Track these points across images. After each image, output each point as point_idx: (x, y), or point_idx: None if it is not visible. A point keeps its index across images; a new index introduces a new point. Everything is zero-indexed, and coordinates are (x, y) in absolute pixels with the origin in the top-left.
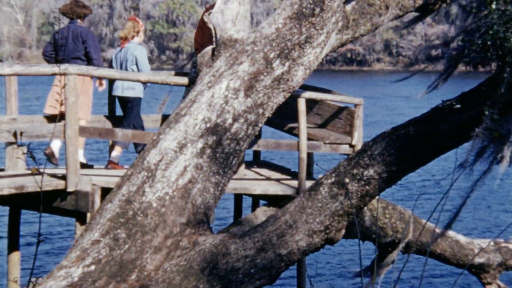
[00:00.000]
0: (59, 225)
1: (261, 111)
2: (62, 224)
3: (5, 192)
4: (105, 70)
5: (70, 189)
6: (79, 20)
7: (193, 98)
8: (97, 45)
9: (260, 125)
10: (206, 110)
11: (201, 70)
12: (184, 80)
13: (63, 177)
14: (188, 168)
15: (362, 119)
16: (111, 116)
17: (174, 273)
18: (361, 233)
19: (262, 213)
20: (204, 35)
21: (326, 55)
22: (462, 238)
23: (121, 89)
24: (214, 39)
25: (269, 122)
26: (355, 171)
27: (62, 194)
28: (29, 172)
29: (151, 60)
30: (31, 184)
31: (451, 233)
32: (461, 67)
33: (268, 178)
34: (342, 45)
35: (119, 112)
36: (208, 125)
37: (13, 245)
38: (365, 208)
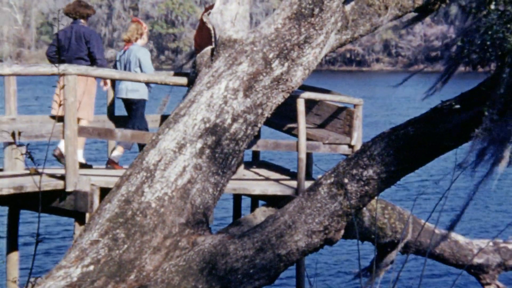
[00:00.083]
0: (58, 225)
1: (260, 111)
2: (61, 224)
3: (4, 192)
4: (104, 70)
5: (69, 189)
6: (82, 20)
7: (192, 98)
8: (101, 45)
9: (259, 125)
10: (205, 110)
11: (200, 70)
12: (183, 80)
13: (62, 177)
14: (187, 168)
15: (361, 120)
16: (113, 117)
17: (173, 273)
18: (360, 233)
19: (261, 213)
20: (203, 35)
21: (325, 55)
22: (461, 239)
23: (125, 92)
24: (213, 40)
25: (268, 123)
26: (354, 171)
27: (61, 194)
28: (27, 172)
29: None
30: (30, 184)
31: (451, 233)
32: (460, 68)
33: (267, 179)
34: (341, 45)
35: (117, 112)
36: (207, 125)
37: (12, 245)
38: (364, 208)
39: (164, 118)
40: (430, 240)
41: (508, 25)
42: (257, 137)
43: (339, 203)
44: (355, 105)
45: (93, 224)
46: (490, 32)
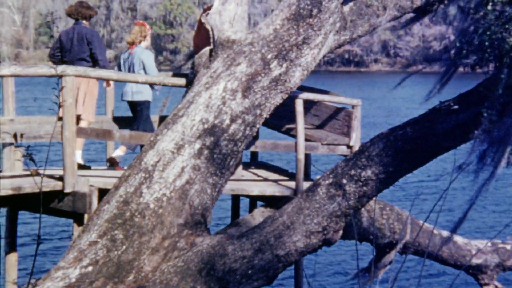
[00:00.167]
0: (56, 226)
1: (258, 112)
2: (59, 225)
3: (3, 193)
4: (103, 71)
5: (67, 190)
6: (84, 21)
7: (191, 99)
8: (103, 46)
9: (257, 126)
10: (204, 111)
11: (199, 71)
12: (182, 81)
13: (61, 178)
14: (186, 169)
15: (359, 120)
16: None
17: (171, 274)
18: (359, 234)
19: (260, 214)
20: (202, 36)
21: (324, 56)
22: (459, 239)
23: (130, 94)
24: (211, 40)
25: (267, 123)
26: (352, 172)
27: (59, 195)
28: (26, 173)
29: None
30: (28, 185)
31: (448, 234)
32: (459, 68)
33: (265, 179)
34: (340, 46)
35: (123, 114)
36: (206, 126)
37: (11, 246)
38: (363, 209)
39: (162, 119)
40: (428, 240)
41: (507, 26)
42: (256, 137)
43: (338, 204)
44: (353, 106)
45: (91, 225)
46: (488, 33)
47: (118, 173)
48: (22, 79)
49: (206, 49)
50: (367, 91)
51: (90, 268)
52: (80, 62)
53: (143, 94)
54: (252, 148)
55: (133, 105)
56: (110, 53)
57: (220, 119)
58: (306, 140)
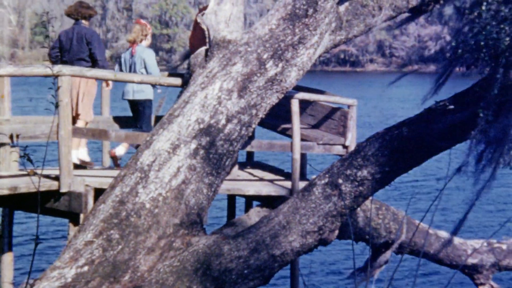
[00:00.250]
0: (52, 226)
1: (254, 112)
2: (55, 225)
3: None
4: (98, 71)
5: (63, 190)
6: (83, 21)
7: (186, 99)
8: (102, 46)
9: (253, 126)
10: (199, 111)
11: (195, 71)
12: (177, 81)
13: (56, 178)
14: (181, 169)
15: (355, 120)
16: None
17: (167, 273)
18: (355, 234)
19: (256, 214)
20: (198, 36)
21: (319, 56)
22: (455, 239)
23: (131, 93)
24: (207, 40)
25: (262, 123)
26: (348, 172)
27: (55, 195)
28: (22, 173)
29: None
30: (24, 185)
31: (444, 233)
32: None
33: (261, 179)
34: (335, 46)
35: (122, 114)
36: (201, 126)
37: (6, 246)
38: (359, 209)
39: (158, 119)
40: (424, 240)
41: (502, 26)
42: (251, 137)
43: (333, 204)
44: (349, 106)
45: (87, 225)
46: (484, 33)
47: (114, 173)
48: (17, 79)
49: (202, 49)
50: (363, 91)
51: (86, 268)
52: (80, 62)
53: (145, 93)
54: (248, 148)
55: (134, 104)
56: (105, 53)
57: (216, 119)
58: (302, 140)
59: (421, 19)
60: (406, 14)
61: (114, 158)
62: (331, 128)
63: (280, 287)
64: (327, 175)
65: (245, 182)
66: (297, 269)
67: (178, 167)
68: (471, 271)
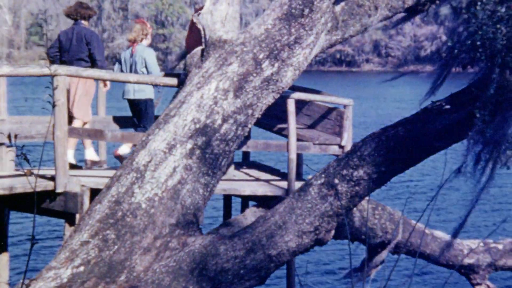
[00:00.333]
0: (48, 226)
1: (250, 112)
2: (51, 225)
3: None
4: (94, 71)
5: (59, 190)
6: (83, 21)
7: (182, 99)
8: (101, 47)
9: (249, 126)
10: (195, 111)
11: (190, 71)
12: (173, 81)
13: (52, 178)
14: (177, 169)
15: (351, 120)
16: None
17: (163, 274)
18: (351, 234)
19: (252, 214)
20: (194, 36)
21: (315, 56)
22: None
23: (132, 92)
24: (203, 40)
25: (259, 123)
26: (344, 171)
27: (51, 195)
28: (18, 173)
29: None
30: (20, 185)
31: (440, 233)
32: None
33: (257, 179)
34: (331, 45)
35: (120, 113)
36: (197, 126)
37: (2, 247)
38: (355, 209)
39: (154, 119)
40: (420, 240)
41: (498, 26)
42: (247, 137)
43: (330, 204)
44: (345, 106)
45: (83, 225)
46: (480, 33)
47: (110, 173)
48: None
49: (198, 49)
50: (359, 90)
51: (81, 268)
52: (79, 62)
53: (145, 92)
54: (244, 148)
55: (135, 103)
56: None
57: (212, 119)
58: (298, 140)
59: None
60: (402, 14)
61: (119, 158)
62: (327, 128)
63: (276, 287)
64: (323, 175)
65: (241, 182)
66: (293, 269)
67: (174, 167)
68: (468, 271)
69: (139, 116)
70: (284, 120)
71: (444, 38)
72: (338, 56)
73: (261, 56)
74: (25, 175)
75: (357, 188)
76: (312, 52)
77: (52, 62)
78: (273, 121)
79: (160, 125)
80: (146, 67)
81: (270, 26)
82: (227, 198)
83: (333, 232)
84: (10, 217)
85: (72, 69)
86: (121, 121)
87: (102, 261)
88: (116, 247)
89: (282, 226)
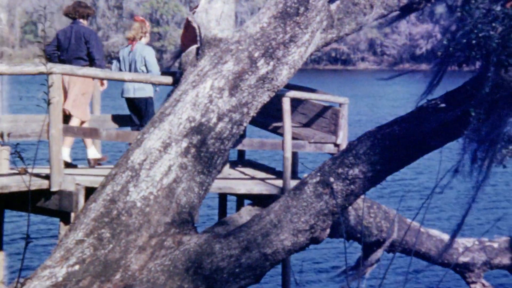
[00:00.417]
0: (43, 224)
1: (245, 110)
2: (46, 224)
3: None
4: (90, 69)
5: (53, 189)
6: (81, 20)
7: (178, 97)
8: (100, 46)
9: (244, 124)
10: (191, 109)
11: (186, 69)
12: (168, 79)
13: (47, 177)
14: (173, 167)
15: (347, 118)
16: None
17: (158, 272)
18: (346, 232)
19: (247, 212)
20: (189, 35)
21: (311, 54)
22: (446, 237)
23: (132, 91)
24: (198, 39)
25: (254, 122)
26: (340, 170)
27: (46, 193)
28: (13, 172)
29: None
30: (15, 184)
31: (436, 232)
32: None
33: (252, 178)
34: (327, 44)
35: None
36: (193, 124)
37: None
38: (350, 207)
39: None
40: (415, 239)
41: (493, 24)
42: (243, 136)
43: (325, 202)
44: (340, 104)
45: (78, 224)
46: (475, 31)
47: (105, 171)
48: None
49: (193, 47)
50: (354, 89)
51: (77, 267)
52: (78, 61)
53: (145, 90)
54: (239, 147)
55: (134, 102)
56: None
57: (207, 118)
58: (293, 138)
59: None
60: (397, 12)
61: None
62: (322, 127)
63: (272, 285)
64: (318, 174)
65: (237, 181)
66: (288, 267)
67: (169, 165)
68: (463, 269)
69: (140, 115)
70: (280, 118)
71: (439, 36)
72: (333, 54)
73: (256, 54)
74: (19, 173)
75: (352, 186)
76: (308, 51)
77: (50, 60)
78: (268, 119)
79: (155, 124)
80: (145, 65)
81: (266, 24)
82: (222, 197)
83: (328, 230)
84: (4, 216)
85: (67, 68)
86: (117, 120)
87: (97, 260)
88: (111, 246)
89: (278, 224)
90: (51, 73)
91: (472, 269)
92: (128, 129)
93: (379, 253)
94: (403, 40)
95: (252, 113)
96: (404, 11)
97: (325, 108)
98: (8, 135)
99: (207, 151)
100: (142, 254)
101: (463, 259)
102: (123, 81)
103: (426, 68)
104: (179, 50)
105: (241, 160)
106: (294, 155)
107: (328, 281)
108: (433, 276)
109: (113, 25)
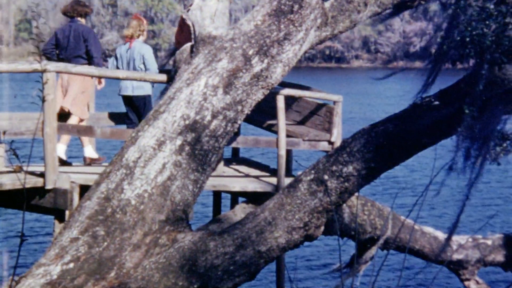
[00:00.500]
0: (38, 222)
1: (240, 108)
2: (41, 221)
3: None
4: (83, 67)
5: (48, 187)
6: (80, 19)
7: (172, 95)
8: (98, 44)
9: (239, 122)
10: (185, 107)
11: (180, 67)
12: (162, 77)
13: (42, 175)
14: (167, 165)
15: (341, 116)
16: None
17: (153, 270)
18: (340, 230)
19: (241, 210)
20: (183, 33)
21: (305, 52)
22: (440, 235)
23: (131, 89)
24: (192, 36)
25: (248, 119)
26: (334, 168)
27: (40, 191)
28: (7, 169)
29: None
30: (9, 182)
31: (429, 229)
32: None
33: (247, 175)
34: (321, 42)
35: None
36: (187, 122)
37: None
38: (344, 205)
39: None
40: (409, 236)
41: (487, 22)
42: (237, 133)
43: (319, 200)
44: (334, 102)
45: (72, 222)
46: (469, 29)
47: (100, 169)
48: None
49: (187, 45)
50: (348, 87)
51: (71, 265)
52: (77, 59)
53: (144, 89)
54: (234, 144)
55: (133, 100)
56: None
57: (201, 115)
58: (288, 136)
59: (406, 15)
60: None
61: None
62: (316, 124)
63: (266, 282)
64: (312, 171)
65: (231, 179)
66: (282, 264)
67: (163, 163)
68: (457, 266)
69: (138, 113)
70: (274, 116)
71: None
72: (327, 52)
73: (250, 52)
74: (14, 171)
75: (346, 184)
76: (302, 48)
77: (49, 59)
78: (262, 117)
79: (149, 121)
80: (144, 63)
81: (260, 22)
82: (217, 194)
83: (322, 228)
84: None
85: (60, 65)
86: (111, 118)
87: (92, 257)
88: (105, 243)
89: (272, 222)
90: (45, 71)
91: (466, 267)
92: (124, 127)
93: (373, 250)
94: (397, 38)
95: (246, 110)
96: (398, 9)
97: (319, 106)
98: (4, 133)
99: (202, 148)
100: (137, 251)
101: (457, 256)
102: (118, 79)
103: (420, 65)
104: (174, 48)
105: (236, 158)
106: (289, 152)
107: (322, 278)
108: (427, 273)
109: (108, 23)
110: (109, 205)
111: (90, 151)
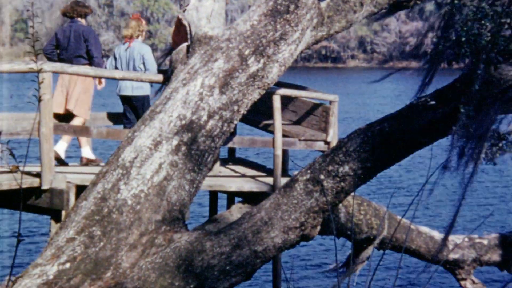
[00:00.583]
0: (34, 222)
1: (236, 108)
2: (37, 222)
3: None
4: (79, 67)
5: (44, 187)
6: (80, 19)
7: (168, 95)
8: (99, 44)
9: (235, 122)
10: (181, 107)
11: (176, 67)
12: (158, 77)
13: (38, 175)
14: (163, 165)
15: (337, 116)
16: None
17: (149, 270)
18: (336, 229)
19: (238, 210)
20: (180, 33)
21: (301, 52)
22: (436, 234)
23: (131, 89)
24: (188, 36)
25: (244, 119)
26: (330, 167)
27: (36, 191)
28: (3, 170)
29: None
30: (6, 182)
31: (425, 229)
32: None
33: (243, 175)
34: (317, 42)
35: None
36: (183, 122)
37: None
38: (340, 204)
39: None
40: (405, 235)
41: (483, 22)
42: (233, 133)
43: (315, 200)
44: (330, 102)
45: (69, 222)
46: (465, 29)
47: (96, 169)
48: None
49: (184, 45)
50: (344, 87)
51: (67, 265)
52: (78, 59)
53: (144, 89)
54: (230, 144)
55: (132, 100)
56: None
57: (197, 115)
58: (284, 136)
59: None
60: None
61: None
62: (312, 124)
63: (262, 281)
64: (309, 171)
65: (227, 179)
66: (279, 264)
67: (160, 163)
68: (453, 266)
69: (137, 113)
70: (270, 116)
71: (429, 34)
72: (323, 52)
73: (246, 52)
74: (11, 171)
75: (342, 184)
76: (298, 48)
77: (49, 59)
78: (258, 117)
79: (145, 122)
80: (144, 63)
81: (256, 22)
82: (213, 194)
83: (319, 227)
84: None
85: (57, 65)
86: (108, 118)
87: (88, 257)
88: (102, 243)
89: (268, 222)
90: (41, 71)
91: (462, 266)
92: (120, 127)
93: (369, 250)
94: (393, 37)
95: (243, 110)
96: (394, 9)
97: (316, 106)
98: (0, 133)
99: (198, 149)
100: (133, 252)
101: (453, 256)
102: (114, 79)
103: (415, 65)
104: (170, 48)
105: (232, 158)
106: (285, 152)
107: (319, 278)
108: (423, 272)
109: (104, 23)
110: (105, 205)
111: (87, 152)
